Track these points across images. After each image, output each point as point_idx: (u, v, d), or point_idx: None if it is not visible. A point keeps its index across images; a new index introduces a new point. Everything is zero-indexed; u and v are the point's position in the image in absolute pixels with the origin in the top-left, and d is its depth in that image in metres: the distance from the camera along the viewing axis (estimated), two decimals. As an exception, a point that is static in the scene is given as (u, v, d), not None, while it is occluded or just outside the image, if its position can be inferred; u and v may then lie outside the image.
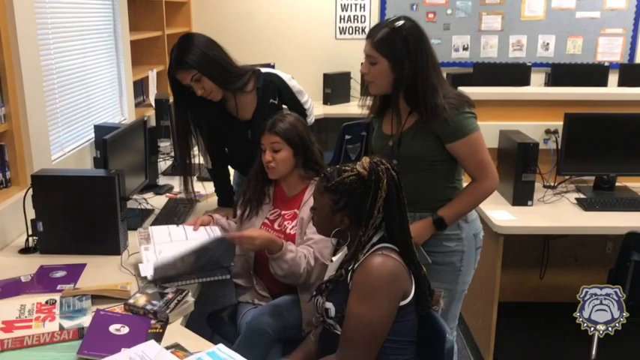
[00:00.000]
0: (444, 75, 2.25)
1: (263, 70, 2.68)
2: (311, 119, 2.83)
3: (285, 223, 2.30)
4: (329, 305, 1.74)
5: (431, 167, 2.13)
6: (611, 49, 6.04)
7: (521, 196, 2.94)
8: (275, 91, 2.64)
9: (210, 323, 2.43)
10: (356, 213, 1.72)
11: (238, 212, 2.43)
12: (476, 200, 2.16)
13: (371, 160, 1.71)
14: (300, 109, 2.76)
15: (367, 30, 5.98)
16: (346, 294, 1.69)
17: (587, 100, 3.30)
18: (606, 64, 5.94)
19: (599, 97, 3.43)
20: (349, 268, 1.72)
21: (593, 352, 2.67)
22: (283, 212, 2.33)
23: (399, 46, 2.01)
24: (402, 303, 1.70)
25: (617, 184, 3.18)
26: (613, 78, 5.78)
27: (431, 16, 5.98)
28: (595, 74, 5.77)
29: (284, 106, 2.75)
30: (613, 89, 4.96)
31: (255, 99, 2.61)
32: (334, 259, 1.88)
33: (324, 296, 1.77)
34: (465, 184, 2.21)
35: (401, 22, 2.03)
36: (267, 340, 2.09)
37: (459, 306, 2.29)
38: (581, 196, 3.09)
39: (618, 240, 2.72)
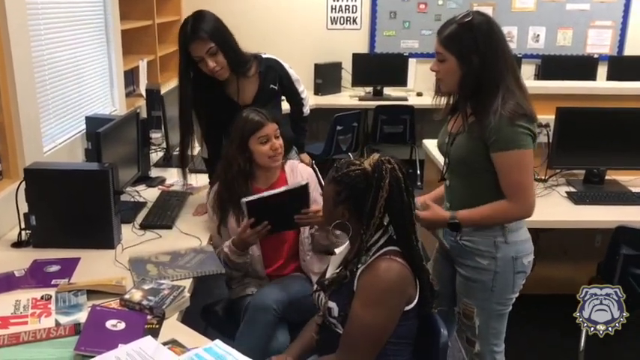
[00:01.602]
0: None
1: (264, 55, 2.68)
2: (307, 109, 2.84)
3: None
4: (332, 305, 1.74)
5: (476, 174, 2.01)
6: (600, 41, 6.08)
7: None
8: (276, 77, 2.66)
9: (205, 317, 2.44)
10: (356, 208, 1.71)
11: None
12: (496, 218, 1.99)
13: (379, 157, 1.71)
14: (297, 98, 2.78)
15: (359, 20, 6.01)
16: (350, 295, 1.69)
17: (578, 94, 3.32)
18: (595, 56, 5.98)
19: (591, 91, 3.45)
20: (354, 269, 1.71)
21: (582, 344, 2.71)
22: None
23: (466, 42, 1.90)
24: (407, 308, 1.70)
25: (606, 177, 3.21)
26: (602, 70, 5.83)
27: (422, 6, 5.98)
28: (584, 66, 5.82)
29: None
30: (605, 83, 4.99)
31: (256, 83, 2.62)
32: (337, 251, 1.89)
33: (327, 295, 1.77)
34: None
35: (469, 17, 1.92)
36: (273, 317, 2.09)
37: (501, 322, 2.15)
38: (572, 189, 3.12)
39: (607, 233, 2.75)
